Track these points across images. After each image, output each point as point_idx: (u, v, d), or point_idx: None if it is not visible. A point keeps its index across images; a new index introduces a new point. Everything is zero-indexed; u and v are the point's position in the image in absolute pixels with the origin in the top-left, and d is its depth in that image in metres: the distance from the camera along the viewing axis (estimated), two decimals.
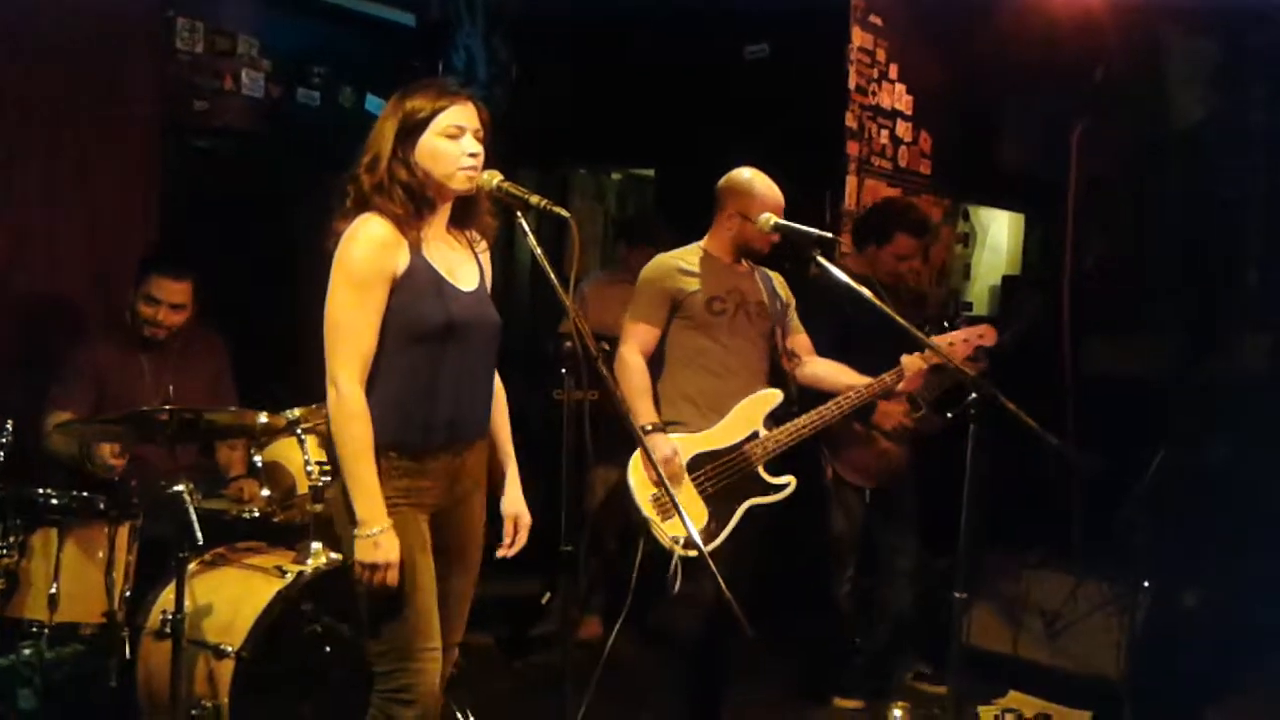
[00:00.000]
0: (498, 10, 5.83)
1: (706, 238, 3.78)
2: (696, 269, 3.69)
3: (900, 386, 3.74)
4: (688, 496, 3.53)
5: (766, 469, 3.64)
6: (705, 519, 3.55)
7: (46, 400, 3.83)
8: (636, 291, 3.74)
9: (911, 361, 3.69)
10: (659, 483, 3.45)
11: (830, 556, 4.38)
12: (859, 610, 4.42)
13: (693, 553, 3.40)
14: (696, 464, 3.58)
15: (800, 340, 3.85)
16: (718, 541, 3.53)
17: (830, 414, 3.67)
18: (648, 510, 3.48)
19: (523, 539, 2.94)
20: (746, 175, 3.70)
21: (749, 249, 3.73)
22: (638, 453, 3.50)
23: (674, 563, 3.45)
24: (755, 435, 3.64)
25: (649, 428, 3.54)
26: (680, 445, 3.56)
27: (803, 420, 3.67)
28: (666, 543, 3.47)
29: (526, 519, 2.95)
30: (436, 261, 2.68)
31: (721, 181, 3.74)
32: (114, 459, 3.64)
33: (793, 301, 3.87)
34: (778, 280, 3.87)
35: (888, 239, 4.30)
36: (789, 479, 3.66)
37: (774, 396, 3.72)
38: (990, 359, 4.02)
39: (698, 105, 5.41)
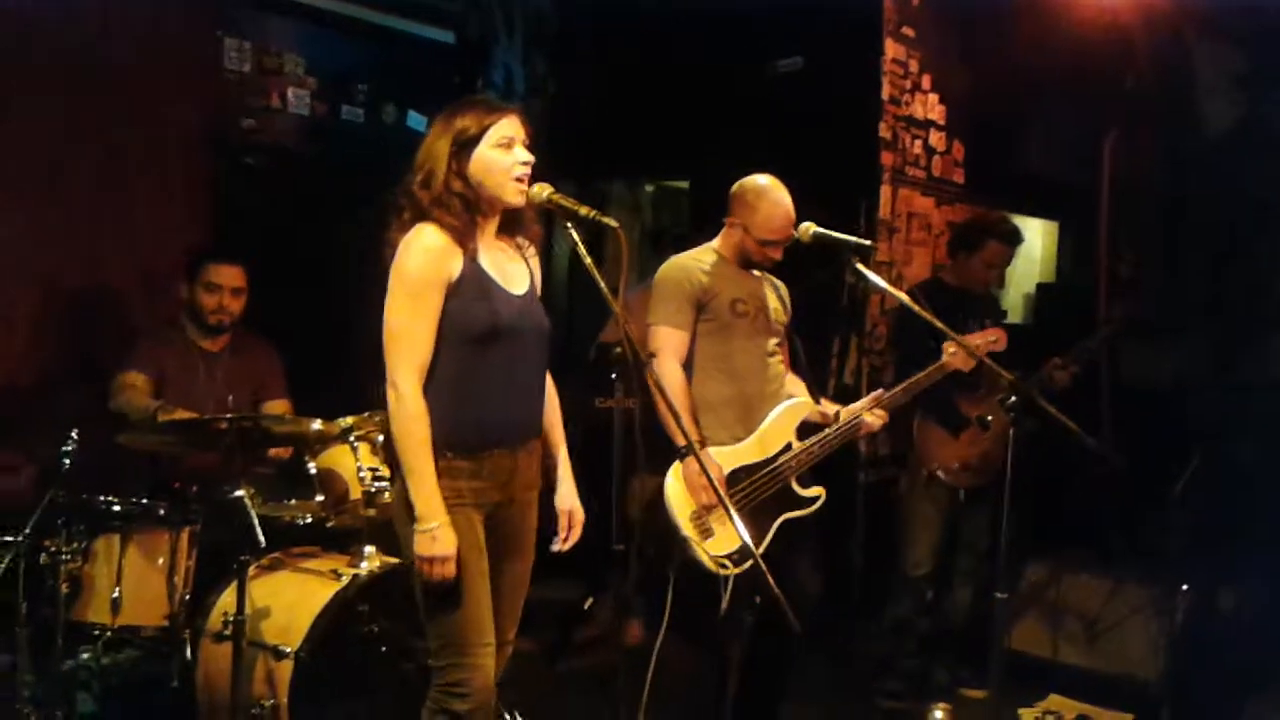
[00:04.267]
0: (535, 27, 5.93)
1: (719, 240, 3.71)
2: (714, 270, 3.62)
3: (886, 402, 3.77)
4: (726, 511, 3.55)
5: (797, 481, 3.61)
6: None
7: (117, 366, 3.91)
8: (657, 294, 3.62)
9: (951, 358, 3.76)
10: (707, 506, 3.41)
11: (907, 554, 4.45)
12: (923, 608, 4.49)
13: (739, 570, 3.40)
14: (734, 479, 3.52)
15: (783, 351, 3.80)
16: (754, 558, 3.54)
17: (852, 427, 3.66)
18: (688, 530, 3.43)
19: (577, 533, 3.03)
20: (756, 188, 3.61)
21: (748, 260, 3.67)
22: (673, 471, 3.46)
23: (726, 584, 3.39)
24: (789, 447, 3.60)
25: (697, 445, 3.44)
26: (721, 460, 3.51)
27: (831, 431, 3.65)
28: (709, 564, 3.41)
29: (580, 514, 3.04)
30: (489, 267, 2.78)
31: (735, 186, 3.67)
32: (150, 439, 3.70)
33: (790, 312, 3.82)
34: (784, 289, 3.84)
35: (979, 247, 4.44)
36: (819, 491, 3.63)
37: (805, 407, 3.69)
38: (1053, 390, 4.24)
39: (732, 118, 5.47)
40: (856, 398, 3.91)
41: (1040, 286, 6.52)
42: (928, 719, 4.12)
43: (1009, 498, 3.23)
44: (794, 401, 3.69)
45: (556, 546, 3.01)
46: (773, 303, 3.72)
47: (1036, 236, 6.56)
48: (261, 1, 4.90)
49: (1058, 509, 4.87)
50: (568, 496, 3.04)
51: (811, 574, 3.73)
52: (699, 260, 3.65)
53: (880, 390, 3.80)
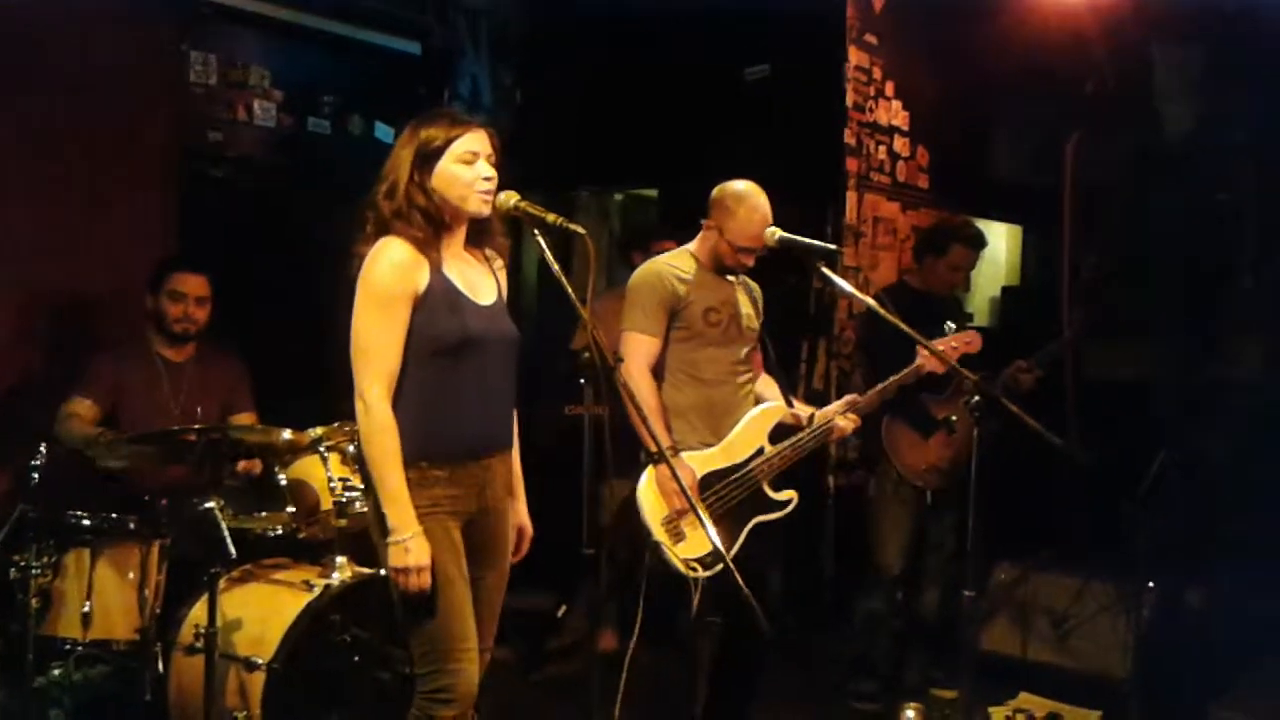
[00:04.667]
0: (501, 38, 5.95)
1: (695, 243, 3.70)
2: (690, 276, 3.61)
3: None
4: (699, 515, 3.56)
5: (770, 484, 3.61)
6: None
7: (68, 391, 3.90)
8: (630, 300, 3.62)
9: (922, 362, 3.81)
10: (679, 510, 3.43)
11: (878, 556, 4.48)
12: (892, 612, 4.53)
13: (708, 574, 3.41)
14: (706, 483, 3.53)
15: (756, 357, 3.81)
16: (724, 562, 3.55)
17: (824, 431, 3.67)
18: (659, 534, 3.44)
19: (525, 548, 3.06)
20: (735, 192, 3.60)
21: (722, 265, 3.65)
22: (646, 476, 3.47)
23: (696, 587, 3.41)
24: (761, 451, 3.61)
25: (668, 450, 3.45)
26: (694, 464, 3.52)
27: (805, 434, 3.65)
28: (680, 567, 3.42)
29: (529, 530, 3.07)
30: (455, 279, 2.79)
31: (715, 190, 3.65)
32: (113, 459, 3.70)
33: (763, 316, 3.82)
34: (757, 292, 3.83)
35: (945, 251, 4.50)
36: (791, 494, 3.64)
37: (778, 411, 3.69)
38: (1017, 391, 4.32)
39: (700, 125, 5.52)
40: (826, 402, 3.93)
41: (1005, 290, 6.58)
42: (900, 718, 4.16)
43: (975, 498, 3.28)
44: (766, 406, 3.70)
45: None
46: (745, 308, 3.71)
47: (1001, 240, 6.63)
48: (227, 14, 4.89)
49: (1025, 509, 4.91)
50: (519, 513, 3.06)
51: (772, 573, 3.76)
52: (674, 267, 3.63)
53: (853, 395, 3.82)
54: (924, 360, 3.82)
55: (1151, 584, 4.43)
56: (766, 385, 3.82)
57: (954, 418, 4.33)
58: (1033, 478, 4.98)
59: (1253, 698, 4.32)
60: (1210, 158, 5.58)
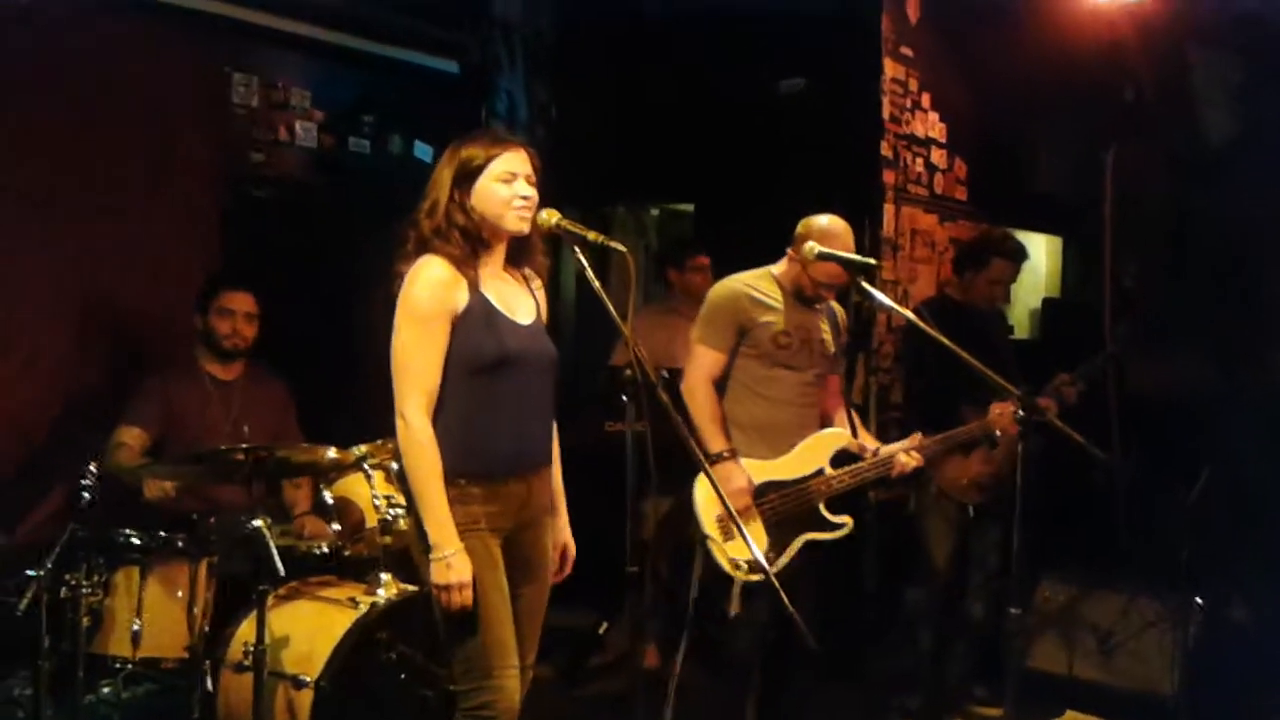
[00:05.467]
0: (536, 55, 5.98)
1: (780, 266, 3.78)
2: (767, 299, 3.70)
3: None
4: (751, 523, 3.59)
5: (827, 506, 3.70)
6: (765, 546, 3.59)
7: (118, 417, 3.96)
8: (704, 315, 3.73)
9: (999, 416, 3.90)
10: (725, 513, 3.48)
11: (923, 572, 4.49)
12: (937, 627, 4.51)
13: (754, 577, 3.47)
14: (762, 491, 3.63)
15: (833, 381, 3.89)
16: (774, 569, 3.56)
17: (885, 465, 3.74)
18: (710, 529, 3.53)
19: (569, 568, 3.09)
20: (821, 230, 3.68)
21: (803, 294, 3.74)
22: (701, 475, 3.52)
23: (735, 586, 3.49)
24: (821, 472, 3.70)
25: (725, 454, 3.58)
26: (752, 471, 3.61)
27: (866, 464, 3.74)
28: (726, 564, 3.51)
29: (573, 549, 3.09)
30: (494, 298, 2.82)
31: (800, 224, 3.73)
32: (158, 491, 3.76)
33: (844, 341, 3.91)
34: (841, 317, 3.92)
35: (985, 264, 4.49)
36: (847, 519, 3.71)
37: (841, 437, 3.78)
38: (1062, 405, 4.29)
39: (735, 139, 5.52)
40: (865, 416, 3.96)
41: (1045, 301, 6.54)
42: None
43: (1020, 514, 3.26)
44: (831, 430, 3.79)
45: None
46: (824, 334, 3.79)
47: (1040, 252, 6.59)
48: (269, 36, 4.94)
49: (1069, 524, 4.87)
50: (561, 530, 3.07)
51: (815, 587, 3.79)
52: (752, 286, 3.72)
53: (918, 435, 3.85)
54: (997, 418, 3.89)
55: (1198, 600, 4.38)
56: (839, 412, 3.88)
57: (998, 433, 4.31)
58: (1076, 493, 4.94)
59: None
60: (1251, 167, 5.52)
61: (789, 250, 3.75)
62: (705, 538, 3.53)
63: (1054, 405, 4.20)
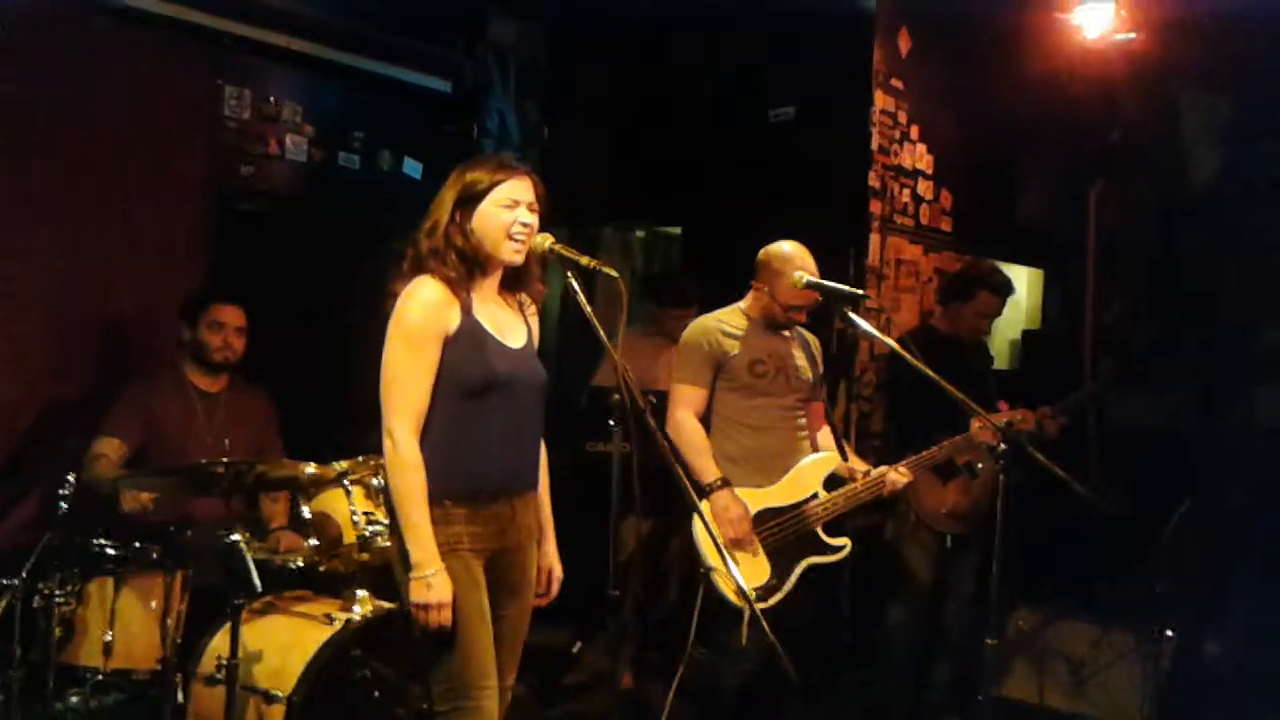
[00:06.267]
0: (528, 75, 6.01)
1: (746, 300, 3.87)
2: (738, 332, 3.79)
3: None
4: (753, 551, 3.63)
5: (825, 530, 3.75)
6: (767, 575, 3.63)
7: (98, 428, 3.95)
8: (680, 354, 3.83)
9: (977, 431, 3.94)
10: (734, 540, 3.57)
11: (898, 599, 4.51)
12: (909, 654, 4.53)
13: (761, 605, 3.48)
14: (760, 519, 3.68)
15: (816, 408, 3.96)
16: (778, 597, 3.61)
17: (877, 484, 3.80)
18: (715, 561, 3.54)
19: (555, 591, 3.09)
20: (781, 254, 3.76)
21: (774, 321, 3.82)
22: (708, 503, 3.61)
23: (745, 616, 3.48)
24: (815, 496, 3.76)
25: (718, 484, 3.64)
26: (747, 500, 3.66)
27: (859, 484, 3.80)
28: (730, 596, 3.54)
29: (559, 573, 3.09)
30: (486, 321, 2.83)
31: (760, 253, 3.82)
32: (134, 503, 3.76)
33: (821, 368, 3.97)
34: (815, 345, 3.99)
35: (971, 297, 4.52)
36: (845, 541, 3.78)
37: (832, 460, 3.85)
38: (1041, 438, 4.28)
39: (724, 165, 5.57)
40: (846, 443, 4.01)
41: (1025, 333, 6.58)
42: None
43: (1000, 545, 3.28)
44: (822, 454, 3.86)
45: (534, 603, 3.04)
46: (799, 361, 3.86)
47: (1022, 284, 6.63)
48: (261, 50, 4.95)
49: (1044, 554, 4.90)
50: (548, 554, 3.08)
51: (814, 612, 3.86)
52: (723, 322, 3.82)
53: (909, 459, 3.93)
54: (978, 432, 3.91)
55: (1170, 633, 4.40)
56: (825, 436, 3.96)
57: (979, 464, 4.33)
58: (1051, 524, 4.97)
59: None
60: (1233, 206, 5.58)
61: (754, 282, 3.82)
62: (709, 569, 3.56)
63: (1030, 418, 4.20)
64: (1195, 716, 4.37)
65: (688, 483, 2.98)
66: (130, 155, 4.52)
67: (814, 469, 3.80)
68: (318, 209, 5.14)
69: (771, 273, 3.76)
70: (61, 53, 4.28)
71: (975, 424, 3.97)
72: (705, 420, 3.77)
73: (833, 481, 3.81)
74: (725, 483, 3.65)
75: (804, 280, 3.67)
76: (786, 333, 3.86)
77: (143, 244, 4.55)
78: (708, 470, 3.66)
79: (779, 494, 3.73)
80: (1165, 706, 4.32)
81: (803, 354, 3.89)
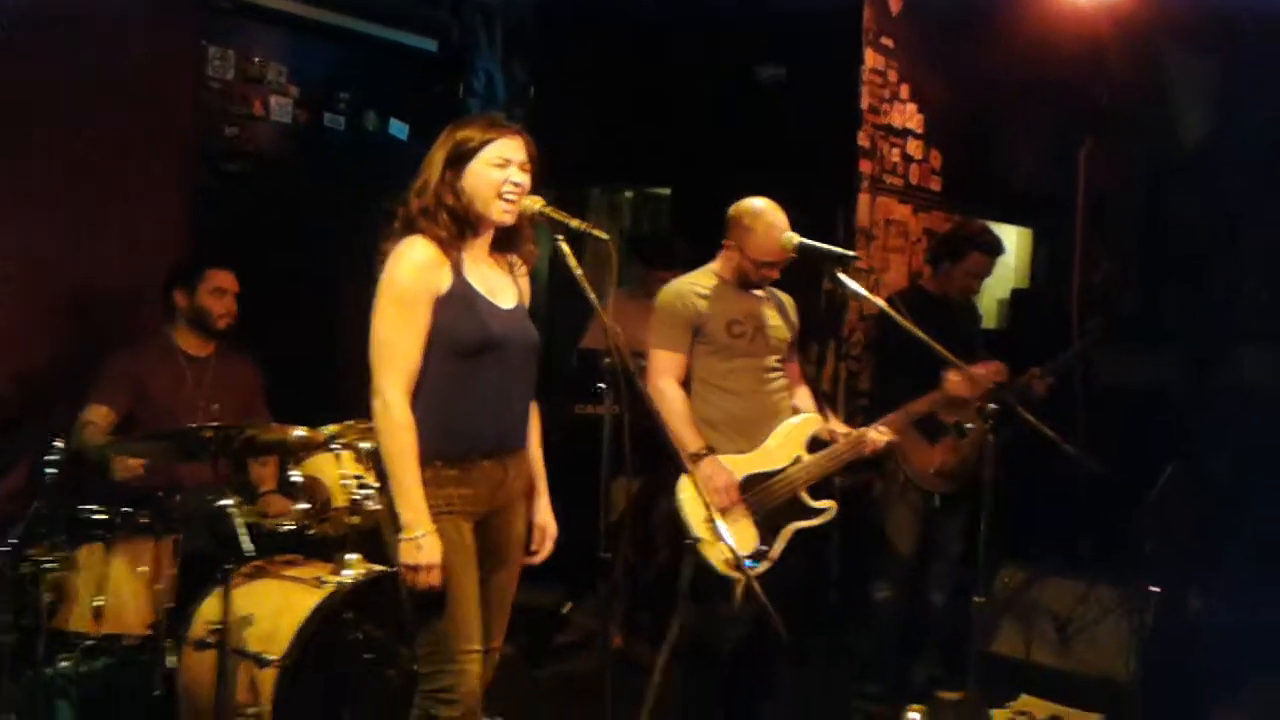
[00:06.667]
0: (515, 33, 5.96)
1: (717, 262, 3.81)
2: (711, 293, 3.72)
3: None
4: (740, 518, 3.61)
5: (809, 492, 3.72)
6: (756, 542, 3.62)
7: (86, 395, 3.93)
8: (655, 320, 3.76)
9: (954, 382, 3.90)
10: (720, 509, 3.53)
11: (886, 559, 4.53)
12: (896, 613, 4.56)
13: (741, 574, 3.46)
14: (746, 485, 3.64)
15: (792, 368, 3.91)
16: (766, 565, 3.60)
17: (858, 443, 3.76)
18: (701, 531, 3.51)
19: (549, 548, 3.07)
20: (751, 210, 3.69)
21: (747, 280, 3.75)
22: (685, 477, 3.54)
23: (739, 584, 3.42)
24: (798, 460, 3.72)
25: (703, 452, 3.59)
26: (732, 467, 3.62)
27: (841, 445, 3.76)
28: (719, 565, 3.49)
29: (553, 530, 3.08)
30: (476, 282, 2.81)
31: (730, 209, 3.75)
32: (126, 470, 3.75)
33: (796, 327, 3.91)
34: (789, 305, 3.92)
35: (962, 257, 4.50)
36: (830, 503, 3.74)
37: (814, 421, 3.80)
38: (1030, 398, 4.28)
39: (713, 125, 5.54)
40: (835, 404, 4.00)
41: (1015, 292, 6.60)
42: None
43: (990, 504, 3.30)
44: (803, 417, 3.81)
45: (527, 560, 3.04)
46: (773, 320, 3.79)
47: (1011, 243, 6.63)
48: (245, 10, 4.89)
49: (1031, 512, 4.94)
50: (542, 511, 3.07)
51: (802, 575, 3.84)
52: (696, 285, 3.75)
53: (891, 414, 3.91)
54: (953, 385, 3.89)
55: (1156, 589, 4.45)
56: (804, 398, 3.91)
57: (967, 424, 4.34)
58: (1038, 482, 5.00)
59: (1254, 703, 4.36)
60: (1222, 166, 5.58)
61: (725, 241, 3.76)
62: (696, 540, 3.52)
63: (1002, 369, 4.20)
64: (1180, 672, 4.42)
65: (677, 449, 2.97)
66: (111, 116, 4.46)
67: (796, 432, 3.75)
68: (303, 170, 5.10)
69: (742, 229, 3.69)
70: (39, 11, 4.21)
71: (950, 376, 3.93)
72: (685, 386, 3.72)
73: (814, 443, 3.78)
74: (710, 450, 3.61)
75: (794, 242, 3.61)
76: (759, 292, 3.79)
77: (125, 206, 4.51)
78: (692, 439, 3.60)
79: (763, 459, 3.69)
80: (1150, 662, 4.36)
81: (777, 313, 3.82)
